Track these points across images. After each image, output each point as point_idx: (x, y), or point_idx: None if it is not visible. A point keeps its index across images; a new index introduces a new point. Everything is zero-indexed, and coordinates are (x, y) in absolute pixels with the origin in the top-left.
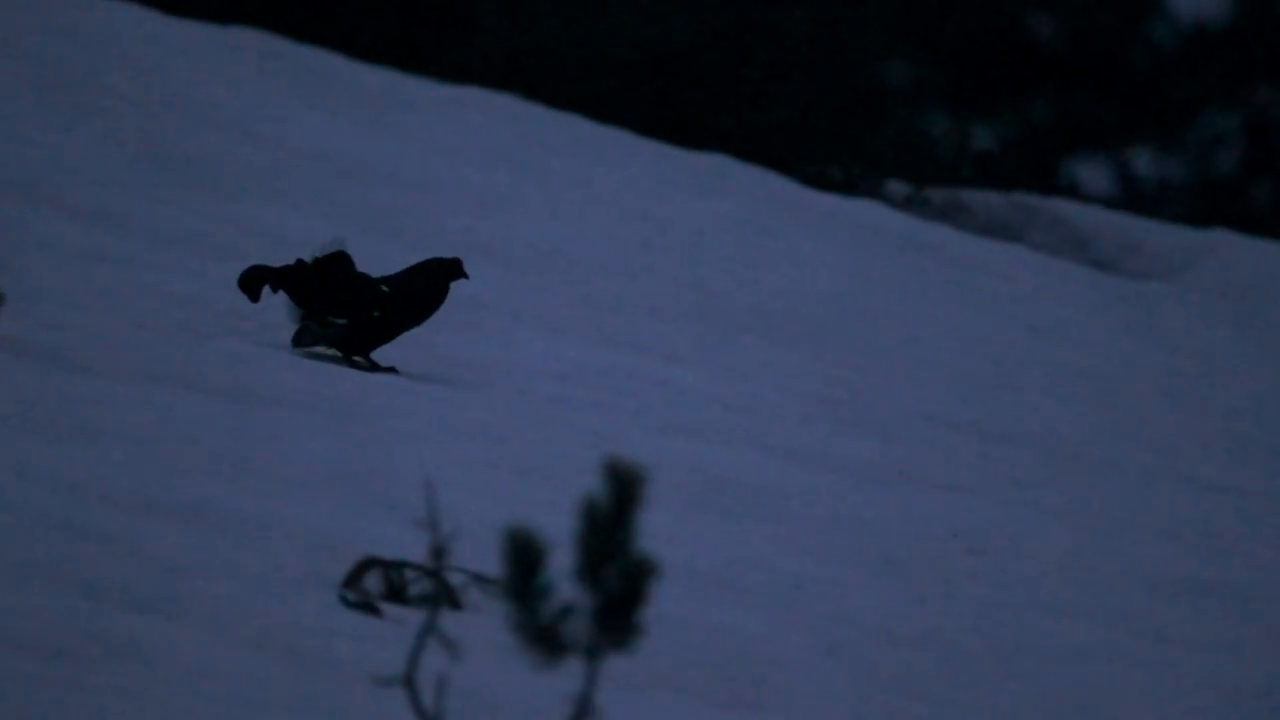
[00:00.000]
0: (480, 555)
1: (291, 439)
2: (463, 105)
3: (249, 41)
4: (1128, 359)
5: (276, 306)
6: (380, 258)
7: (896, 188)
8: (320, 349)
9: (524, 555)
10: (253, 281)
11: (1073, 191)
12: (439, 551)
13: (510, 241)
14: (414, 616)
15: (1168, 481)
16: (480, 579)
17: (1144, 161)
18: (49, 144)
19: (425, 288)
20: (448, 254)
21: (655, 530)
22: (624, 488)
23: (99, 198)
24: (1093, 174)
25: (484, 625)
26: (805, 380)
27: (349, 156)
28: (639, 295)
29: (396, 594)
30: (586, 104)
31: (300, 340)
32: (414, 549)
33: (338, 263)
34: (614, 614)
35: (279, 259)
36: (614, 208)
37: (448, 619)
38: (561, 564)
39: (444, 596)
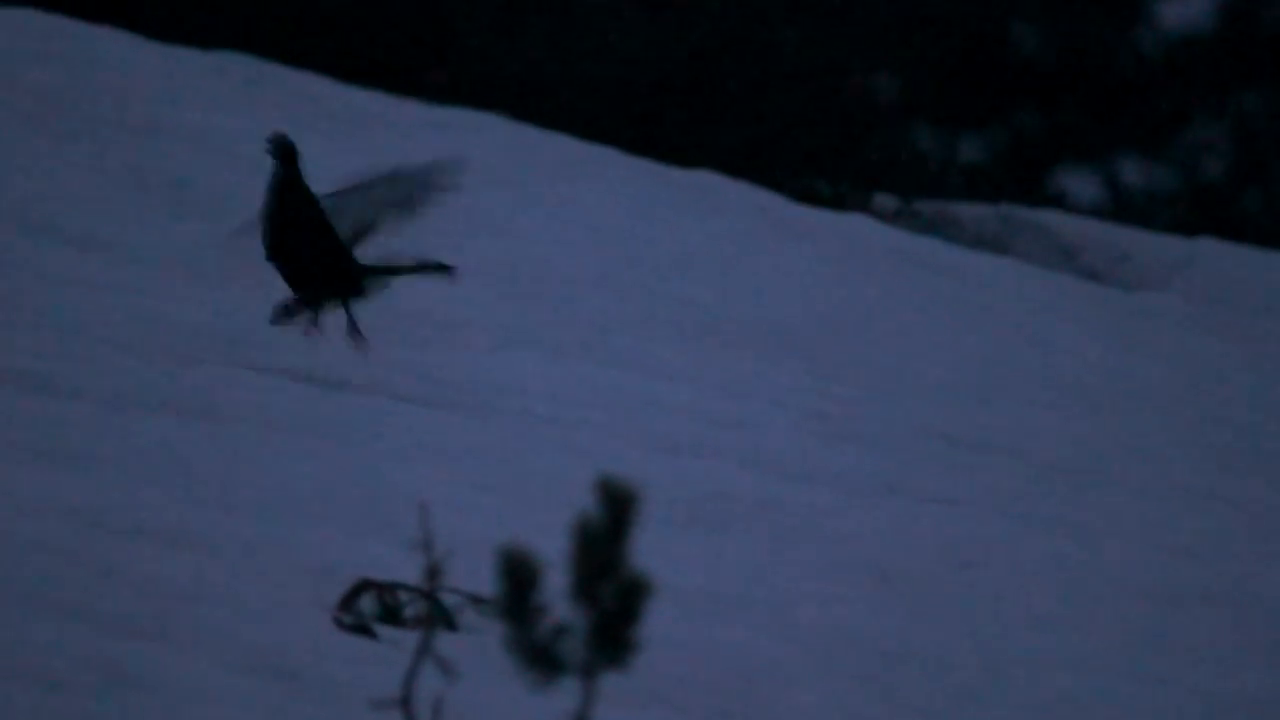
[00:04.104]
0: (475, 576)
1: (283, 462)
2: (449, 126)
3: (234, 65)
4: (1118, 369)
5: (265, 329)
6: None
7: (884, 201)
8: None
9: (518, 575)
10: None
11: (1061, 202)
12: (433, 573)
13: (497, 260)
14: (409, 638)
15: (1160, 492)
16: (475, 600)
17: (1132, 171)
18: (36, 170)
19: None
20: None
21: (646, 548)
22: (617, 506)
23: (86, 223)
24: (1081, 185)
25: (480, 646)
26: (795, 395)
27: (336, 179)
28: (628, 312)
29: (391, 616)
30: (573, 122)
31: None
32: (408, 570)
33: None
34: (609, 632)
35: (269, 284)
36: (601, 225)
37: (443, 640)
38: (556, 583)
39: (439, 618)
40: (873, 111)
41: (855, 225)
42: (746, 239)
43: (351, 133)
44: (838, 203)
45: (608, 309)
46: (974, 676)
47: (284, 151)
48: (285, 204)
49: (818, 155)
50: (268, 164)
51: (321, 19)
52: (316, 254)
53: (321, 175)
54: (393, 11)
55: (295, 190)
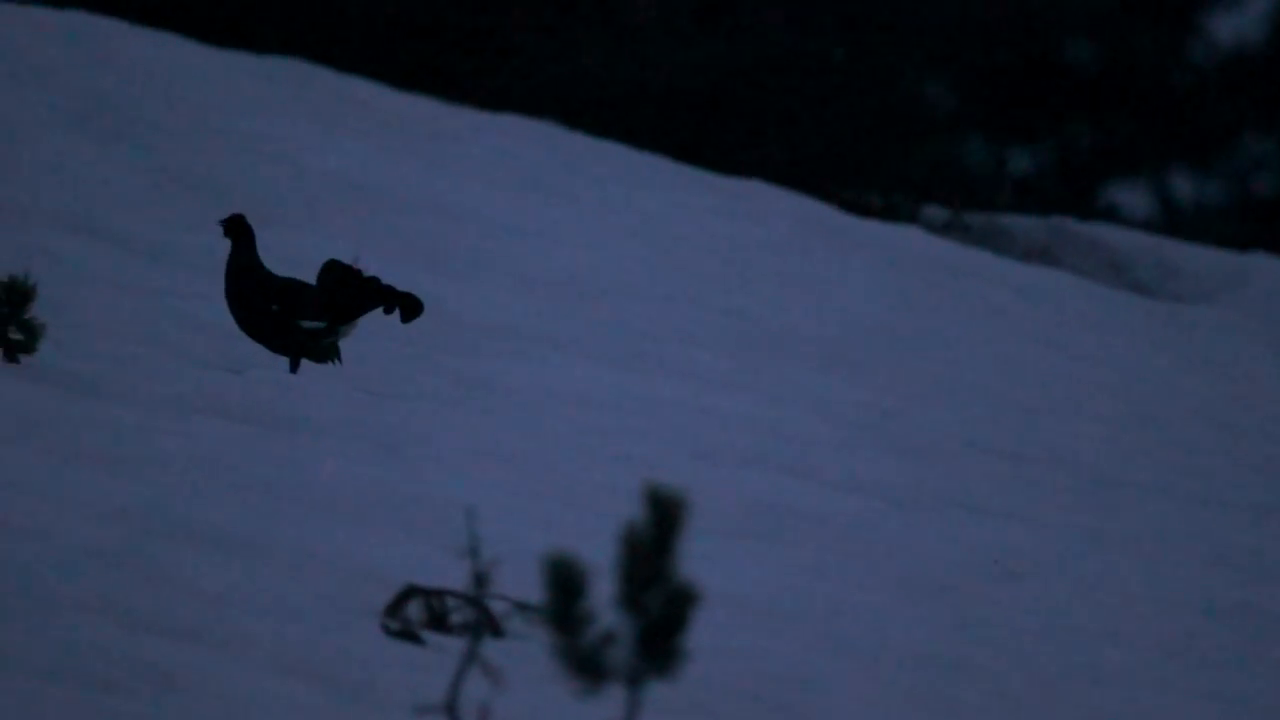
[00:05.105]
0: (521, 583)
1: (331, 467)
2: (500, 132)
3: (286, 71)
4: (1166, 383)
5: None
6: (417, 285)
7: (935, 213)
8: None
9: (565, 582)
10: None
11: (1111, 216)
12: (480, 579)
13: (547, 268)
14: (456, 644)
15: (1207, 505)
16: (522, 606)
17: (1182, 185)
18: (87, 174)
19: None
20: (479, 280)
21: (693, 556)
22: (665, 514)
23: (137, 227)
24: (1131, 198)
25: (526, 653)
26: (843, 405)
27: (387, 184)
28: (677, 321)
29: (438, 622)
30: (624, 130)
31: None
32: (455, 577)
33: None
34: (656, 641)
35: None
36: (652, 234)
37: (489, 647)
38: (603, 591)
39: (486, 624)
40: (923, 123)
41: (905, 236)
42: (797, 249)
43: (402, 138)
44: (888, 214)
45: (657, 317)
46: (1021, 688)
47: (238, 232)
48: (239, 287)
49: (868, 166)
50: (313, 170)
51: (373, 25)
52: (269, 332)
53: (371, 180)
54: (445, 18)
55: (247, 272)
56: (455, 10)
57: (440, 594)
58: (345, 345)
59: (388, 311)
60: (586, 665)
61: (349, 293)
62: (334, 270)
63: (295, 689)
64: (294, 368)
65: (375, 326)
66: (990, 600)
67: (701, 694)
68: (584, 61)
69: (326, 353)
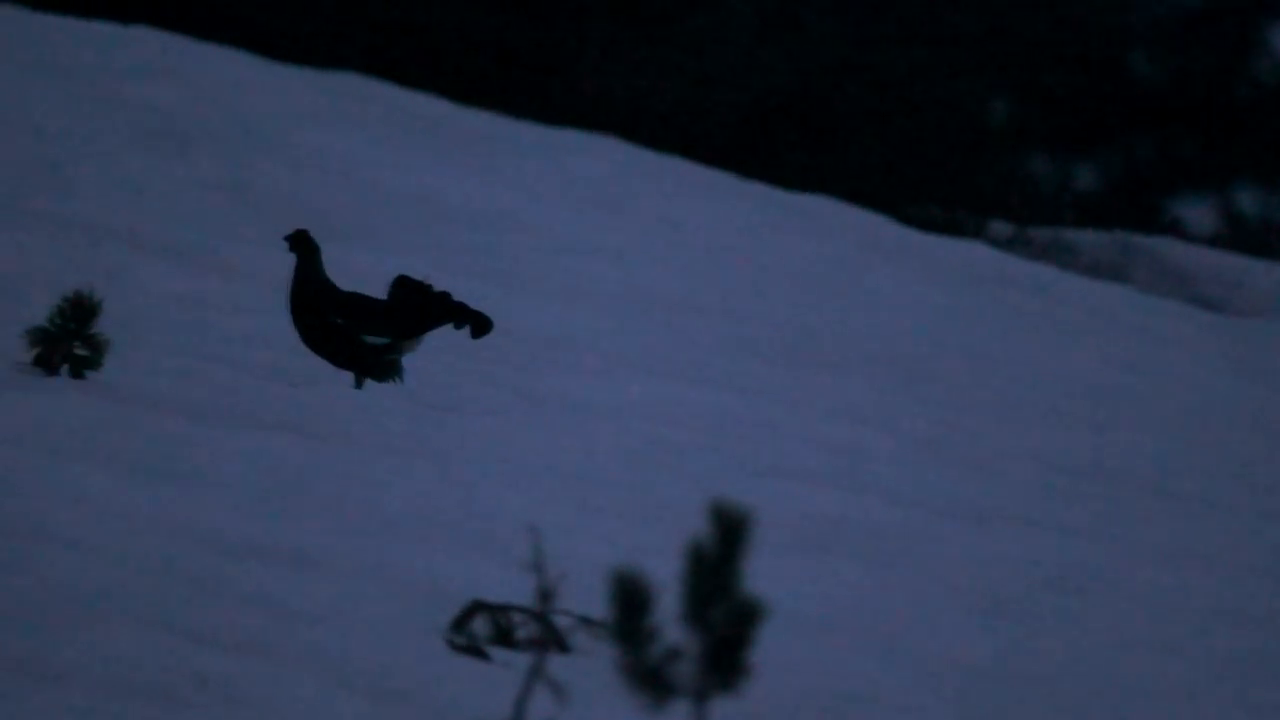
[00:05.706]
0: (587, 598)
1: (395, 483)
2: (563, 148)
3: (349, 86)
4: (1231, 397)
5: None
6: (479, 300)
7: (999, 228)
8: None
9: (631, 598)
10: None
11: (1176, 230)
12: (546, 595)
13: (609, 282)
14: (521, 660)
15: (1270, 519)
16: (587, 622)
17: (1248, 200)
18: (151, 189)
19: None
20: (541, 294)
21: (756, 571)
22: (730, 530)
23: (201, 243)
24: (1196, 213)
25: (591, 668)
26: (906, 420)
27: (448, 199)
28: (740, 336)
29: (503, 637)
30: (686, 146)
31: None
32: (520, 592)
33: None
34: (721, 656)
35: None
36: (715, 249)
37: (555, 662)
38: (668, 607)
39: (551, 640)
40: (987, 138)
41: (969, 251)
42: (859, 264)
43: (465, 153)
44: (952, 228)
45: (719, 332)
46: (1081, 703)
47: (303, 247)
48: (304, 301)
49: (932, 181)
50: (377, 185)
51: (435, 40)
52: (333, 346)
53: (434, 195)
54: (508, 34)
55: (312, 287)
56: (517, 26)
57: (506, 609)
58: (409, 360)
59: (457, 327)
60: (652, 681)
61: (419, 308)
62: (405, 286)
63: (360, 704)
64: (358, 383)
65: (438, 341)
66: (1051, 614)
67: (765, 709)
68: (647, 77)
69: (389, 369)
